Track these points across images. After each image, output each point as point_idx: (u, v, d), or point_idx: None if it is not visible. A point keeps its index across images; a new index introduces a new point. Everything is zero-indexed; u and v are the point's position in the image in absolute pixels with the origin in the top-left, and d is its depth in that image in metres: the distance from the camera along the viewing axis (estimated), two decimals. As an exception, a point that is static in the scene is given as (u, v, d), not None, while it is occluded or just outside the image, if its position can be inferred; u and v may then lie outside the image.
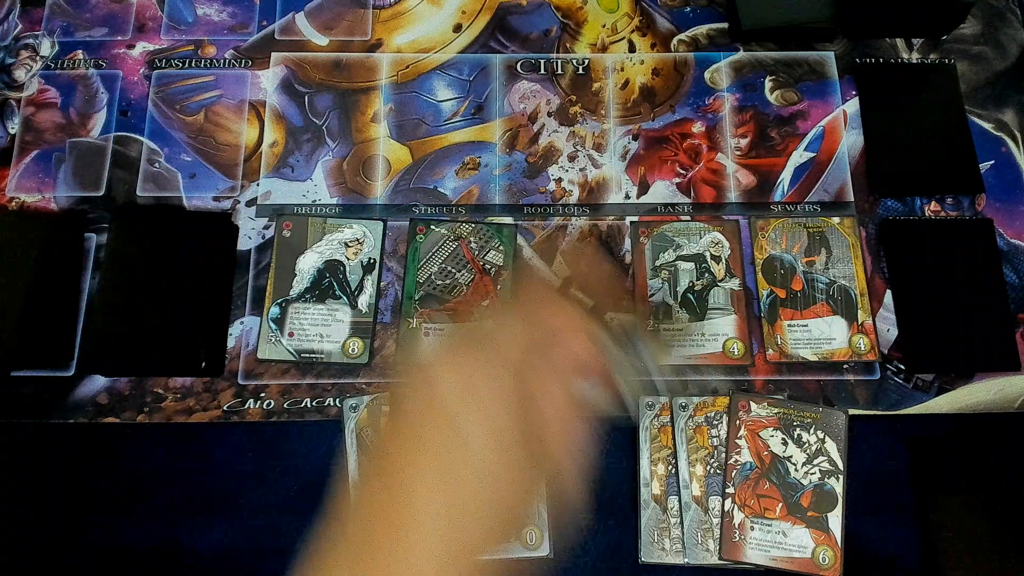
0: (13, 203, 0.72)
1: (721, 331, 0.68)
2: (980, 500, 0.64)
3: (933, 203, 0.74)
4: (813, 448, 0.64)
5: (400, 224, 0.72)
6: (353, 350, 0.68)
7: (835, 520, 0.62)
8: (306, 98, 0.77)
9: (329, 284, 0.70)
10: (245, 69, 0.78)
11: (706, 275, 0.70)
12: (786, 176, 0.74)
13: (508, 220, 0.72)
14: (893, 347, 0.69)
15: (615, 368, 0.44)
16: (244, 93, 0.77)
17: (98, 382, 0.67)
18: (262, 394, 0.67)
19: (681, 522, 0.63)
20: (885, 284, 0.70)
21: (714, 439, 0.65)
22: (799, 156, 0.75)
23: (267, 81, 0.77)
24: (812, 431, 0.65)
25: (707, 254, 0.71)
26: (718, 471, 0.64)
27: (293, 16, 0.80)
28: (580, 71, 0.78)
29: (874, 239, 0.72)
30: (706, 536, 0.63)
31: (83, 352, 0.67)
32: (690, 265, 0.70)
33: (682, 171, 0.75)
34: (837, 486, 0.63)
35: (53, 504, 0.65)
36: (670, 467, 0.64)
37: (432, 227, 0.72)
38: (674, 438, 0.65)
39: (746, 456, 0.64)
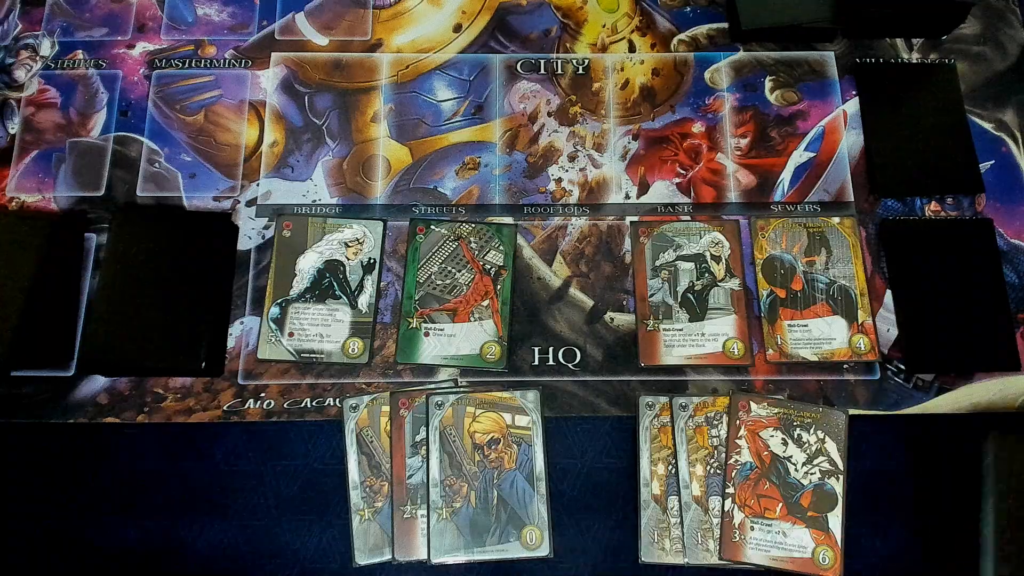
0: (13, 203, 0.72)
1: (721, 331, 0.68)
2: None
3: (933, 203, 0.74)
4: (813, 448, 0.64)
5: (400, 224, 0.72)
6: (353, 350, 0.68)
7: (835, 520, 0.62)
8: (306, 98, 0.77)
9: (329, 284, 0.70)
10: (245, 69, 0.78)
11: (706, 275, 0.70)
12: (786, 176, 0.74)
13: (508, 220, 0.72)
14: (893, 347, 0.69)
15: None
16: (244, 93, 0.77)
17: (98, 382, 0.67)
18: (262, 394, 0.67)
19: (681, 522, 0.63)
20: (885, 284, 0.70)
21: (714, 439, 0.65)
22: (799, 156, 0.75)
23: (267, 81, 0.77)
24: (812, 431, 0.64)
25: (707, 254, 0.71)
26: (718, 471, 0.64)
27: (293, 16, 0.80)
28: (580, 71, 0.78)
29: (874, 239, 0.72)
30: (706, 536, 0.63)
31: (83, 352, 0.67)
32: (690, 265, 0.70)
33: (682, 171, 0.75)
34: (837, 486, 0.63)
35: (53, 504, 0.65)
36: (670, 467, 0.64)
37: (432, 227, 0.72)
38: (674, 438, 0.65)
39: (746, 456, 0.64)
